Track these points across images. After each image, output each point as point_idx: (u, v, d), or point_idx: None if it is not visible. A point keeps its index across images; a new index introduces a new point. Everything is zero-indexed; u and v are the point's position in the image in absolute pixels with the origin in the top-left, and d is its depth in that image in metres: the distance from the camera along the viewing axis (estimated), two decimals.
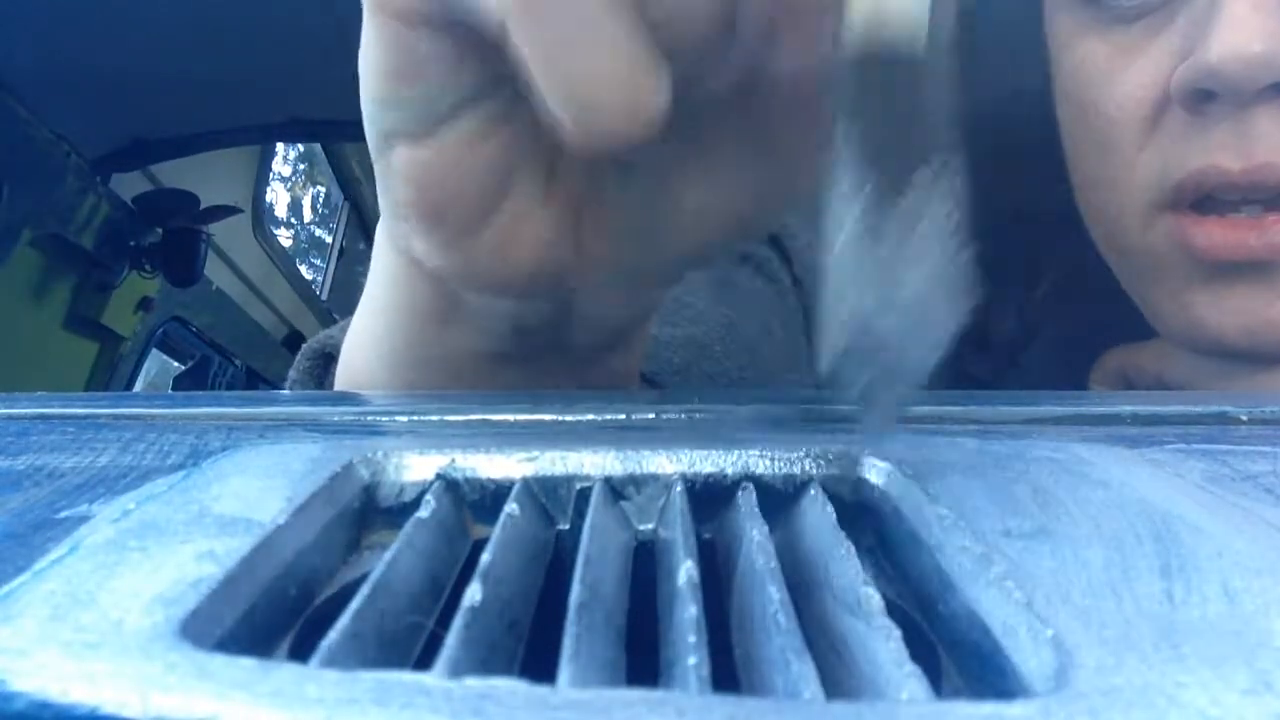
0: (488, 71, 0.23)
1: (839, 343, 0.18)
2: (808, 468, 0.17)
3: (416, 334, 0.29)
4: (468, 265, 0.26)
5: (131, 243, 2.34)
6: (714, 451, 0.17)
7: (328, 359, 0.38)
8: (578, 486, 0.17)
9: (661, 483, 0.17)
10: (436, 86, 0.23)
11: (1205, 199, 0.36)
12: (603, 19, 0.20)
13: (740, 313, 0.46)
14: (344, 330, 0.37)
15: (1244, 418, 0.23)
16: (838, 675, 0.12)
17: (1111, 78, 0.38)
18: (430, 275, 0.27)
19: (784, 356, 0.47)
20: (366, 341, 0.32)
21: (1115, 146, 0.38)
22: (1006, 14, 0.45)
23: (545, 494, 0.17)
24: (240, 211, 2.74)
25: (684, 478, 0.17)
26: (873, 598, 0.12)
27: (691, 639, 0.11)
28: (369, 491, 0.17)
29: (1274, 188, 0.35)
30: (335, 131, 2.37)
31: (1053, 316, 0.51)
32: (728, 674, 0.12)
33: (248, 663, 0.10)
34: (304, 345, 0.39)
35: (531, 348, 0.29)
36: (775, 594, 0.12)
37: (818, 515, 0.15)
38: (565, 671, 0.11)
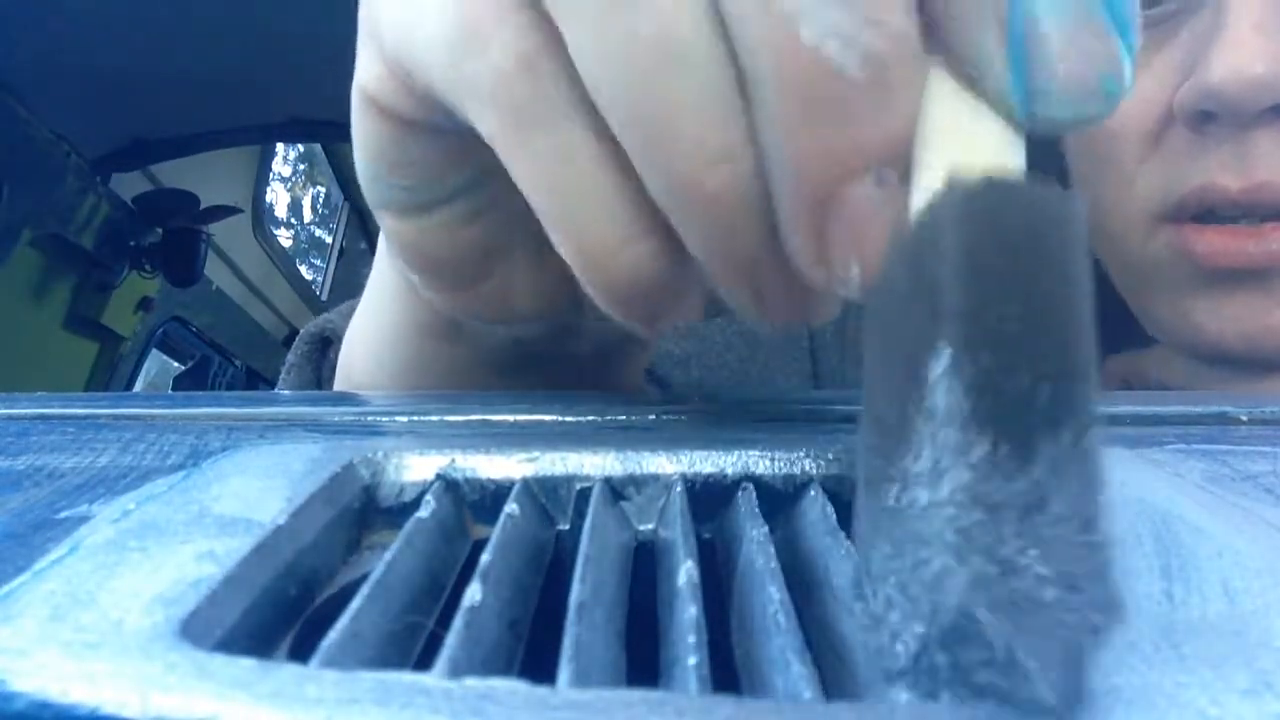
0: (476, 167, 0.22)
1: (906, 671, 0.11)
2: (808, 468, 0.17)
3: (416, 347, 0.29)
4: (467, 308, 0.26)
5: (131, 243, 2.35)
6: (714, 451, 0.17)
7: (325, 343, 0.38)
8: (578, 487, 0.17)
9: (661, 483, 0.17)
10: (423, 179, 0.22)
11: (1206, 212, 0.36)
12: (584, 176, 0.18)
13: None
14: (341, 315, 0.37)
15: (1244, 418, 0.23)
16: (838, 675, 0.12)
17: None
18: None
19: (783, 348, 0.47)
20: (369, 342, 0.32)
21: (1116, 160, 0.38)
22: None
23: (545, 494, 0.17)
24: (240, 211, 2.74)
25: (684, 478, 0.17)
26: None
27: (691, 639, 0.11)
28: (369, 491, 0.17)
29: (1272, 206, 0.35)
30: (335, 131, 2.37)
31: None
32: (728, 674, 0.12)
33: (248, 663, 0.10)
34: (302, 329, 0.39)
35: (535, 358, 0.29)
36: (775, 594, 0.12)
37: (818, 515, 0.15)
38: (565, 671, 0.11)
